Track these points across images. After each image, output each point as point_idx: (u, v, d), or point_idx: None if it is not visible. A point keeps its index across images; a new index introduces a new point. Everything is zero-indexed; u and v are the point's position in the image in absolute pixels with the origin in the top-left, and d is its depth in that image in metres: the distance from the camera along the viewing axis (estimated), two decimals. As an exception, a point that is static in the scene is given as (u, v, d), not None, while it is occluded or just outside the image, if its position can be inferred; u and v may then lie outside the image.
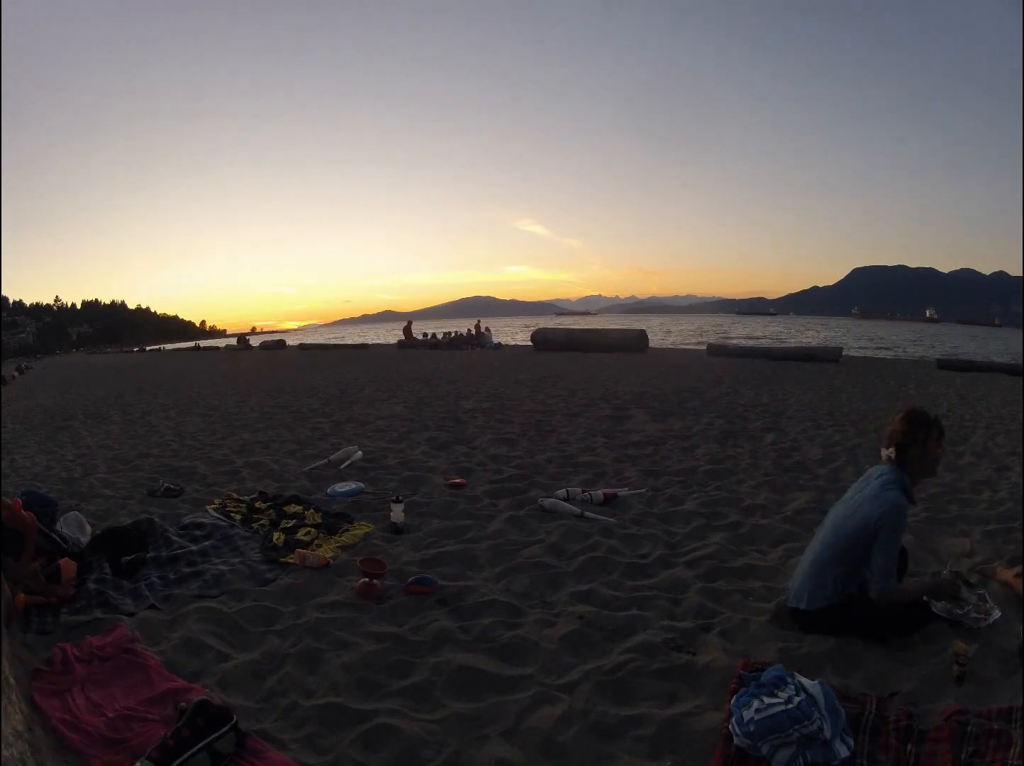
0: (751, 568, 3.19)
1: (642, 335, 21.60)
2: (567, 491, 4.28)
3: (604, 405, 8.65)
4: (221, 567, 3.15)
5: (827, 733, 1.71)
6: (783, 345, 26.74)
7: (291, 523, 3.79)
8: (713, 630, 2.55)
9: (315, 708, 2.05)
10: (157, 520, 3.81)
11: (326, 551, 3.37)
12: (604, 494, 4.27)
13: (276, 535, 3.58)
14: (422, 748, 1.87)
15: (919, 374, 14.23)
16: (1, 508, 2.65)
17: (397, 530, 3.68)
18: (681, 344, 30.55)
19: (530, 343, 23.26)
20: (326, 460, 5.44)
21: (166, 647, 2.41)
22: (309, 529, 3.66)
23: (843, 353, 18.79)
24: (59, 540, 3.06)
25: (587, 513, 3.92)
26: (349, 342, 33.18)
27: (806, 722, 1.71)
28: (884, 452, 2.50)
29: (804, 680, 1.87)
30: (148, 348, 44.46)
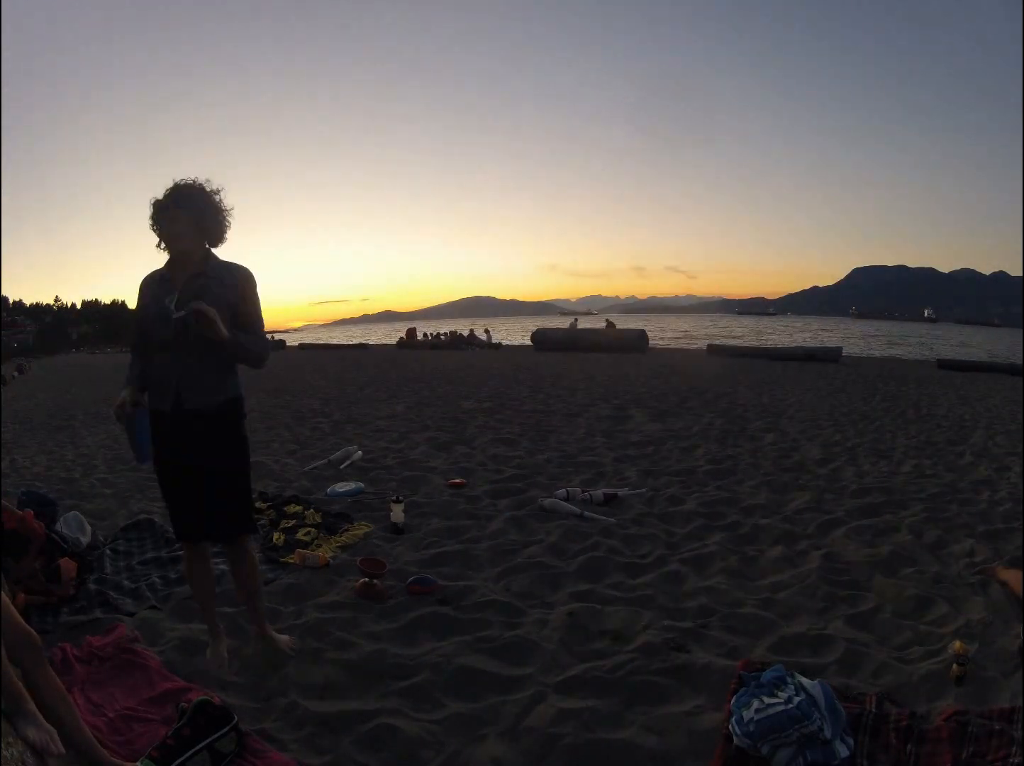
0: (751, 568, 3.20)
1: (642, 335, 21.62)
2: (567, 491, 4.28)
3: (604, 405, 8.65)
4: (222, 567, 3.15)
5: (827, 733, 1.71)
6: (783, 345, 26.77)
7: (291, 523, 3.79)
8: (713, 630, 2.55)
9: (315, 708, 2.05)
10: (157, 520, 3.81)
11: (326, 551, 3.37)
12: (604, 494, 4.27)
13: (276, 535, 3.58)
14: (422, 748, 1.87)
15: (919, 374, 14.23)
16: (3, 514, 2.65)
17: (397, 530, 3.68)
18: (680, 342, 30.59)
19: (530, 343, 23.28)
20: (326, 460, 5.44)
21: (166, 647, 2.41)
22: (309, 529, 3.66)
23: (843, 353, 18.81)
24: (59, 540, 3.06)
25: (587, 513, 3.92)
26: (348, 342, 33.21)
27: (806, 722, 1.71)
28: None
29: (804, 680, 1.87)
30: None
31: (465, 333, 26.23)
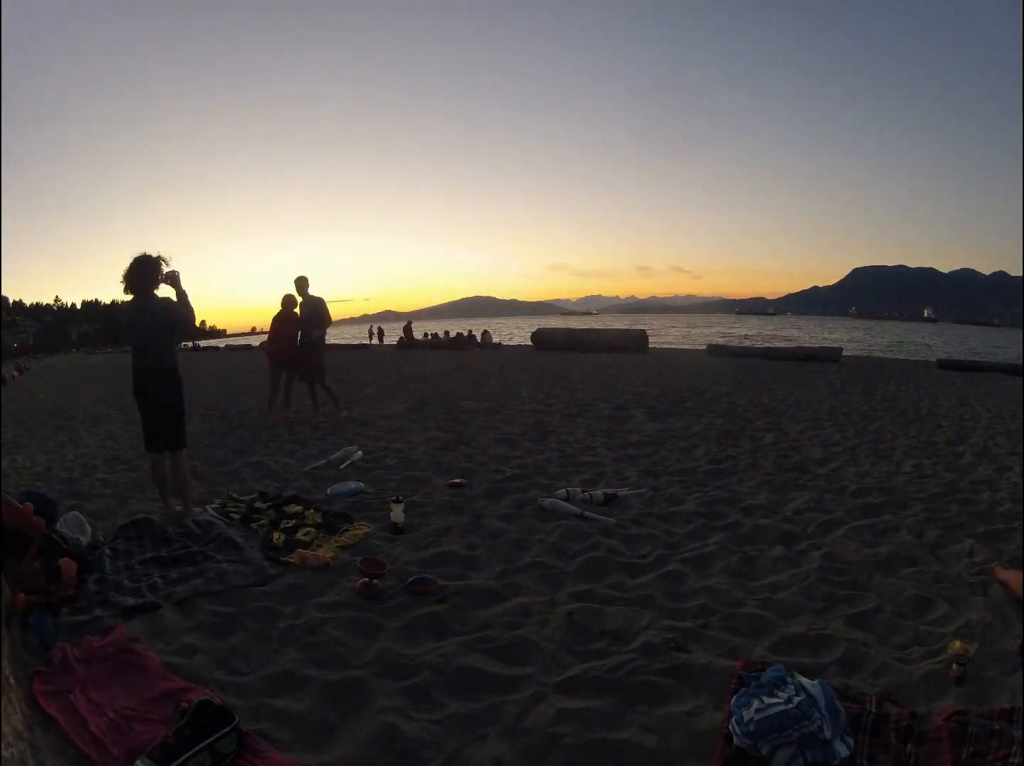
0: (751, 568, 3.20)
1: (642, 335, 21.63)
2: (567, 491, 4.28)
3: (604, 405, 8.65)
4: (222, 567, 3.15)
5: (827, 733, 1.71)
6: (783, 346, 26.79)
7: (291, 523, 3.79)
8: (713, 630, 2.55)
9: (315, 708, 2.05)
10: (157, 520, 3.81)
11: (326, 551, 3.37)
12: (604, 494, 4.27)
13: (276, 535, 3.58)
14: (422, 748, 1.87)
15: (919, 374, 14.23)
16: (3, 508, 2.64)
17: (397, 530, 3.68)
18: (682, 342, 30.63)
19: (530, 343, 23.29)
20: (326, 460, 5.44)
21: (167, 647, 2.41)
22: (309, 529, 3.66)
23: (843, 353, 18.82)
24: (59, 540, 3.05)
25: (587, 513, 3.92)
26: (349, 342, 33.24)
27: (806, 722, 1.71)
28: None
29: (804, 680, 1.87)
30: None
31: (465, 333, 26.43)
